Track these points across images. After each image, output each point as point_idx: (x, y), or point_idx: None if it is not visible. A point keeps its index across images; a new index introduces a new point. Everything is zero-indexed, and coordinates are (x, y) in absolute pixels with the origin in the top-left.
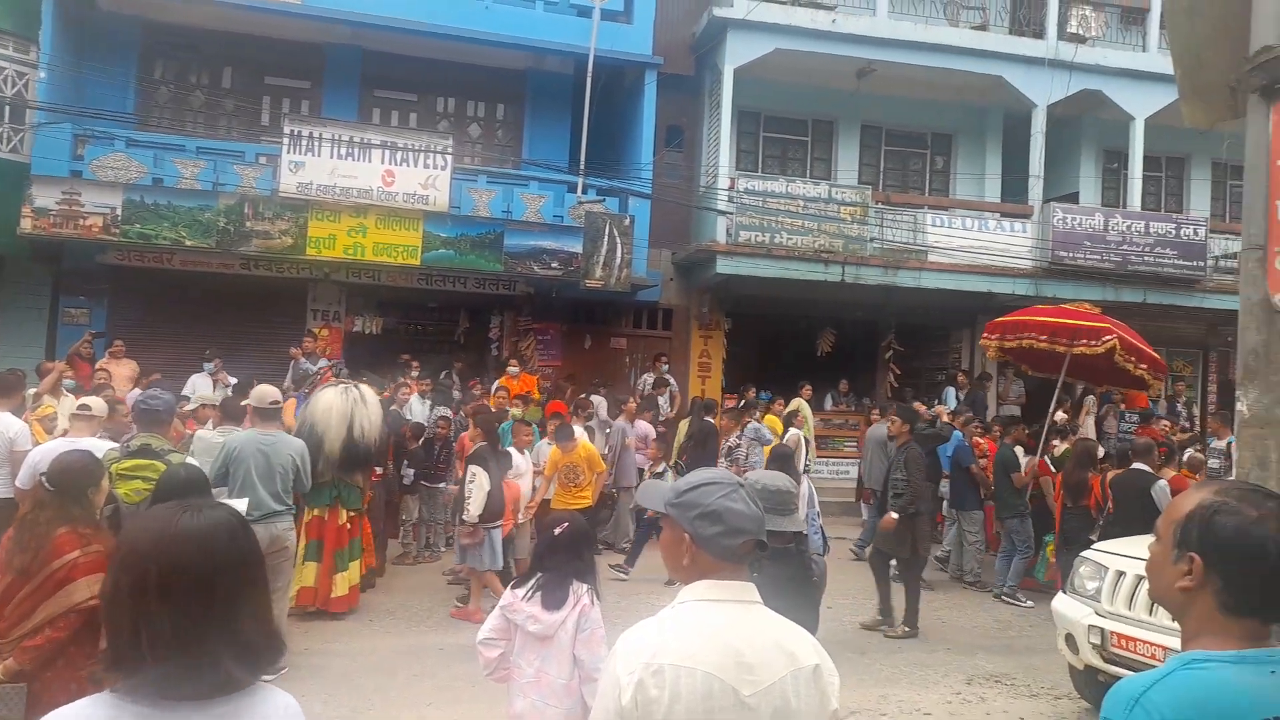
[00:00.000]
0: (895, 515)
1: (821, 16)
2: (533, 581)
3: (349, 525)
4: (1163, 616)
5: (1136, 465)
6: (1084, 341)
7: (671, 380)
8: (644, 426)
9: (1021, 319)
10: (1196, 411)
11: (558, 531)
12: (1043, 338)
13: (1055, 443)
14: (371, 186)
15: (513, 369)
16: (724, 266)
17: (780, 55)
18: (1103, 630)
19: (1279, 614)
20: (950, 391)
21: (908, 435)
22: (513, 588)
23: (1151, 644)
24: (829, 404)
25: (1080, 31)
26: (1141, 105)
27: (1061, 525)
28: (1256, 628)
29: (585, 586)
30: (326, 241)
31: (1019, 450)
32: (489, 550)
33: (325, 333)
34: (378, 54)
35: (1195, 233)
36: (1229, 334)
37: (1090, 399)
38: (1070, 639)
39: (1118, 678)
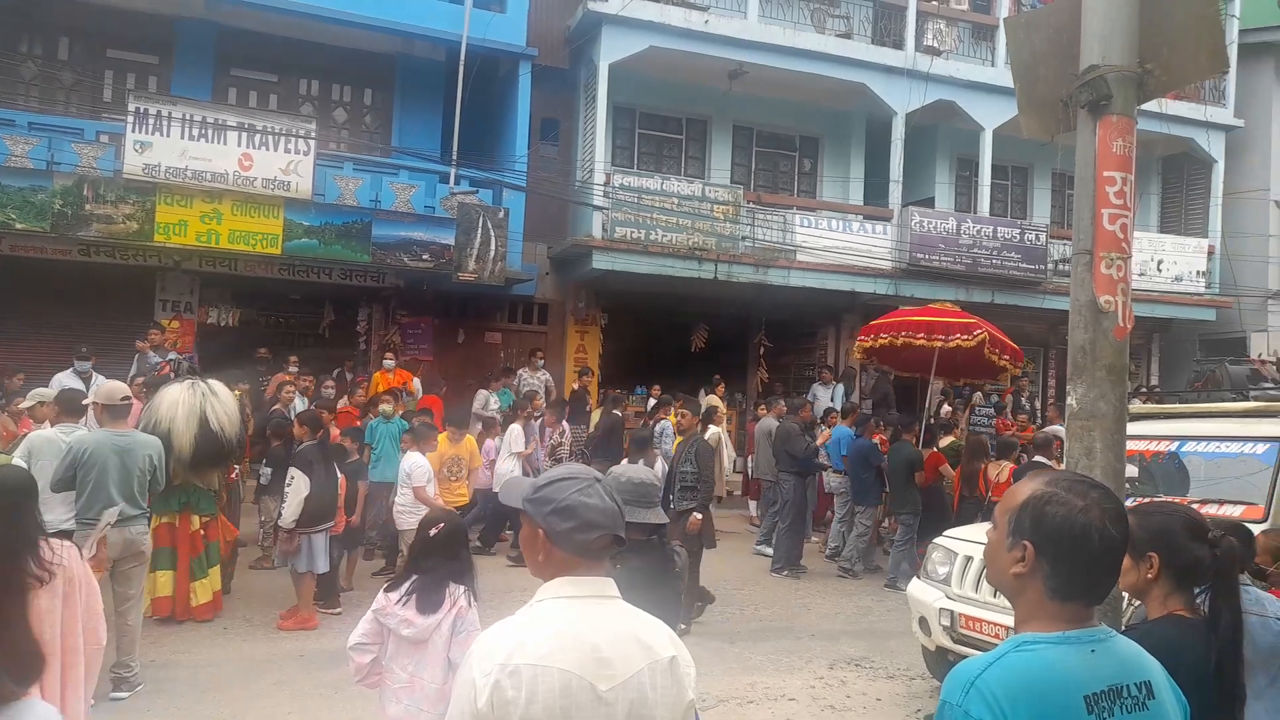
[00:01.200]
0: (700, 515)
1: (695, 16)
2: (407, 584)
3: (203, 531)
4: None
5: (1038, 458)
6: (959, 336)
7: (547, 375)
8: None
9: (897, 319)
10: (1039, 405)
11: (433, 532)
12: (919, 334)
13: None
14: (227, 170)
15: (388, 362)
16: (600, 262)
17: (655, 53)
18: (952, 613)
19: (1100, 596)
20: (840, 388)
21: (697, 427)
22: (386, 591)
23: (995, 624)
24: (701, 399)
25: (936, 44)
26: (990, 116)
27: (959, 513)
28: (1080, 610)
29: (462, 588)
30: (177, 228)
31: None
32: (307, 555)
33: (175, 325)
34: (235, 30)
35: (1037, 238)
36: (1065, 332)
37: (977, 395)
38: (923, 622)
39: (965, 657)
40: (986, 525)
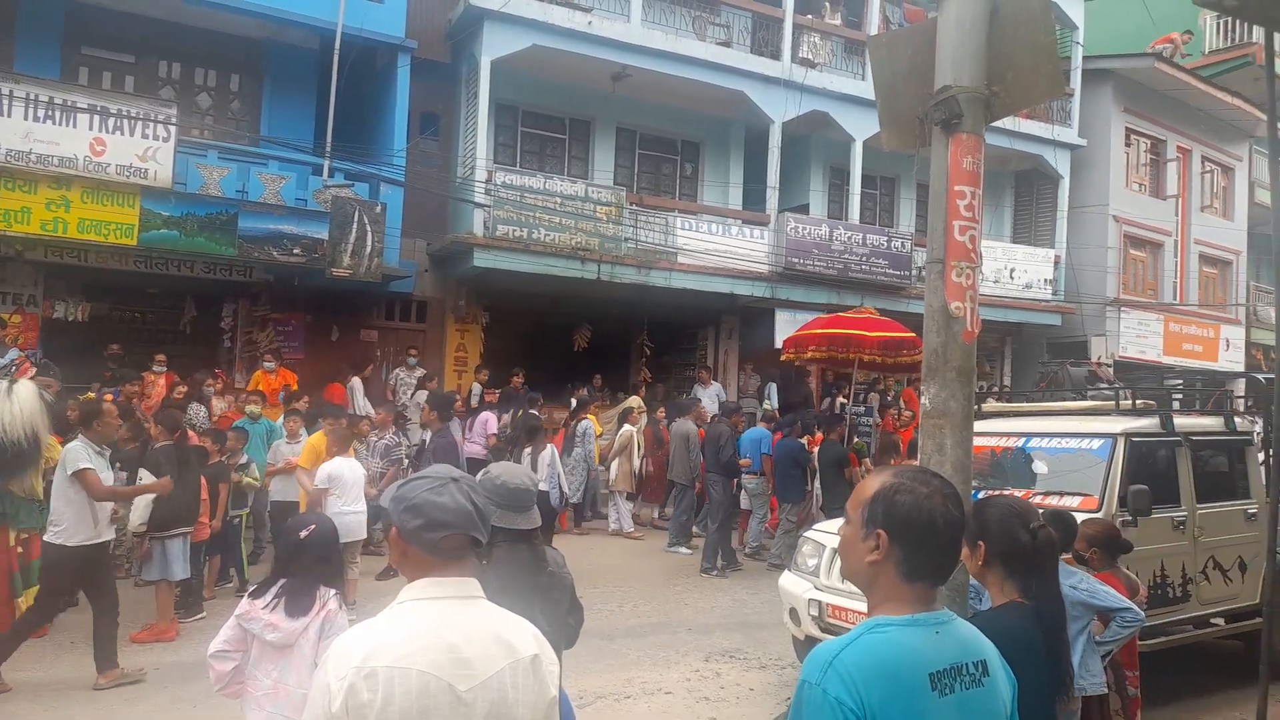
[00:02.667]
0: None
1: (578, 17)
2: (275, 588)
3: (20, 548)
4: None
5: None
6: (907, 351)
7: (424, 373)
8: (487, 416)
9: (856, 335)
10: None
11: (304, 534)
12: (875, 351)
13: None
14: (77, 155)
15: (269, 364)
16: (481, 260)
17: (538, 51)
18: (820, 603)
19: (945, 576)
20: (773, 387)
21: (438, 422)
22: (251, 596)
23: (859, 612)
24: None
25: (811, 57)
26: (860, 128)
27: None
28: (928, 591)
29: (333, 591)
30: (19, 215)
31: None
32: (159, 562)
33: (17, 319)
34: (86, 6)
35: (902, 245)
36: None
37: (840, 399)
38: (794, 612)
39: None
40: None
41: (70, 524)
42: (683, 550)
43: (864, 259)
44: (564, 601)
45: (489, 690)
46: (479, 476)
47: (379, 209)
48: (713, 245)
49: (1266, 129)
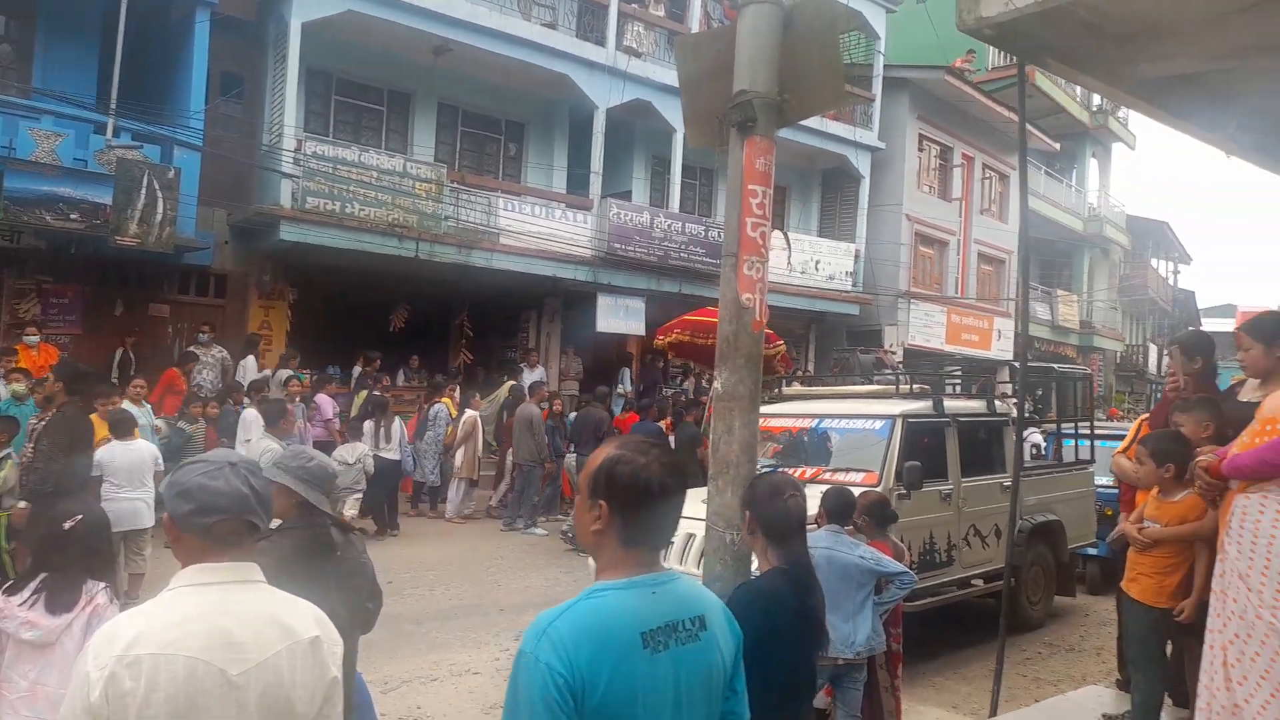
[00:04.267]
0: (24, 504)
1: None
2: (35, 583)
3: None
4: (672, 560)
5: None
6: (765, 345)
7: (223, 352)
8: (323, 400)
9: (711, 322)
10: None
11: (68, 525)
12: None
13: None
14: None
15: (31, 337)
16: (289, 233)
17: (354, 17)
18: None
19: (664, 540)
20: (626, 372)
21: (64, 396)
22: (5, 592)
23: None
24: (401, 379)
25: (635, 46)
26: (681, 119)
27: None
28: (646, 556)
29: (102, 585)
30: None
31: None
32: None
33: None
34: None
35: (720, 235)
36: None
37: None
38: None
39: None
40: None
41: None
42: (537, 532)
43: (683, 247)
44: (363, 587)
45: (264, 673)
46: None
47: (172, 174)
48: (536, 227)
49: (1026, 144)
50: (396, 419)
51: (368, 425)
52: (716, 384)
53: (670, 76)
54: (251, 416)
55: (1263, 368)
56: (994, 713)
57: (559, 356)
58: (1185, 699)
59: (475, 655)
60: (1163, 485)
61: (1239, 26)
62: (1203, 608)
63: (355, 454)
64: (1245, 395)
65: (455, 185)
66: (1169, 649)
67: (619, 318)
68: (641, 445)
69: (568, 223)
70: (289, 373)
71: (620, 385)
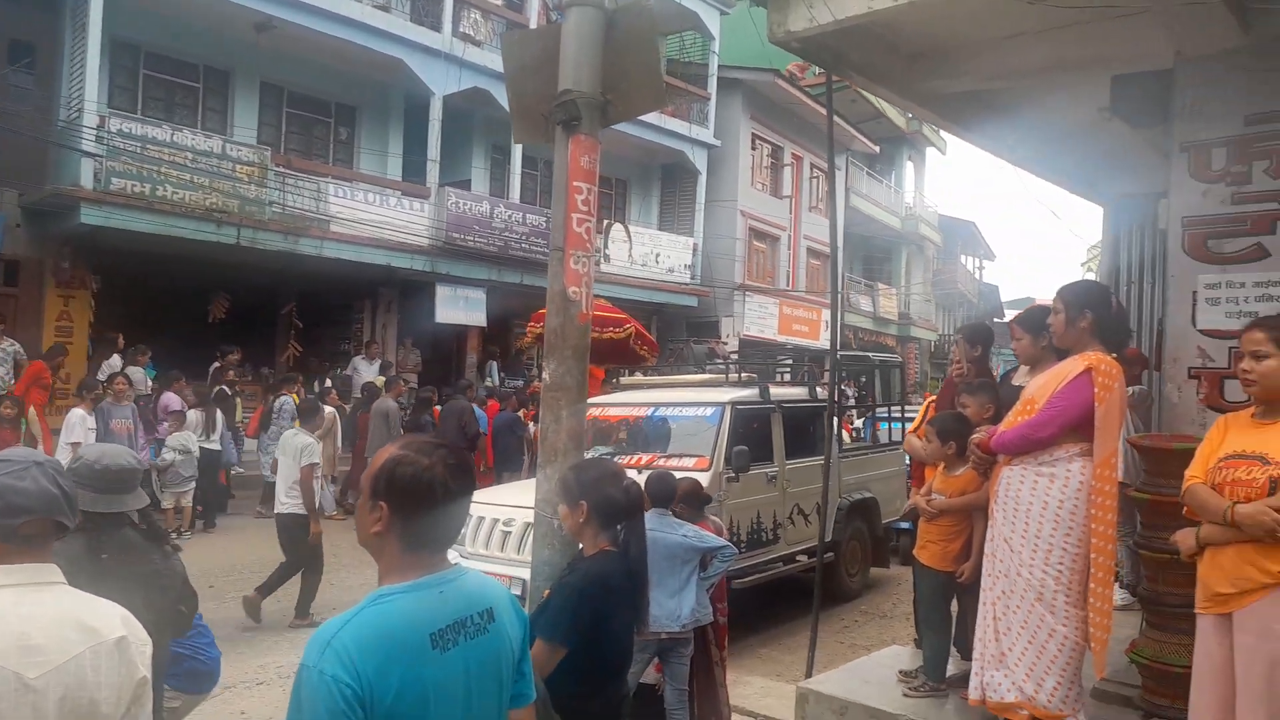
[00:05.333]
0: None
1: None
2: None
3: None
4: (510, 551)
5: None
6: (611, 329)
7: (15, 345)
8: (170, 398)
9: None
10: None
11: None
12: None
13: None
14: None
15: None
16: (91, 216)
17: None
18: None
19: (448, 542)
20: (494, 365)
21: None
22: None
23: (501, 575)
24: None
25: (472, 33)
26: None
27: None
28: (430, 558)
29: None
30: None
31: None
32: None
33: None
34: None
35: (550, 223)
36: None
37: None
38: None
39: None
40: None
41: None
42: None
43: (524, 237)
44: (173, 588)
45: (64, 675)
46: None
47: None
48: (369, 215)
49: (839, 148)
50: (219, 410)
51: (193, 415)
52: (545, 375)
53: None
54: (76, 418)
55: (1031, 355)
56: (809, 675)
57: (396, 348)
58: (969, 652)
59: None
60: (947, 461)
61: (1014, 51)
62: (980, 569)
63: (184, 442)
64: (1017, 380)
65: (280, 169)
66: (954, 608)
67: (458, 308)
68: (425, 446)
69: (404, 211)
70: (117, 369)
71: (489, 378)
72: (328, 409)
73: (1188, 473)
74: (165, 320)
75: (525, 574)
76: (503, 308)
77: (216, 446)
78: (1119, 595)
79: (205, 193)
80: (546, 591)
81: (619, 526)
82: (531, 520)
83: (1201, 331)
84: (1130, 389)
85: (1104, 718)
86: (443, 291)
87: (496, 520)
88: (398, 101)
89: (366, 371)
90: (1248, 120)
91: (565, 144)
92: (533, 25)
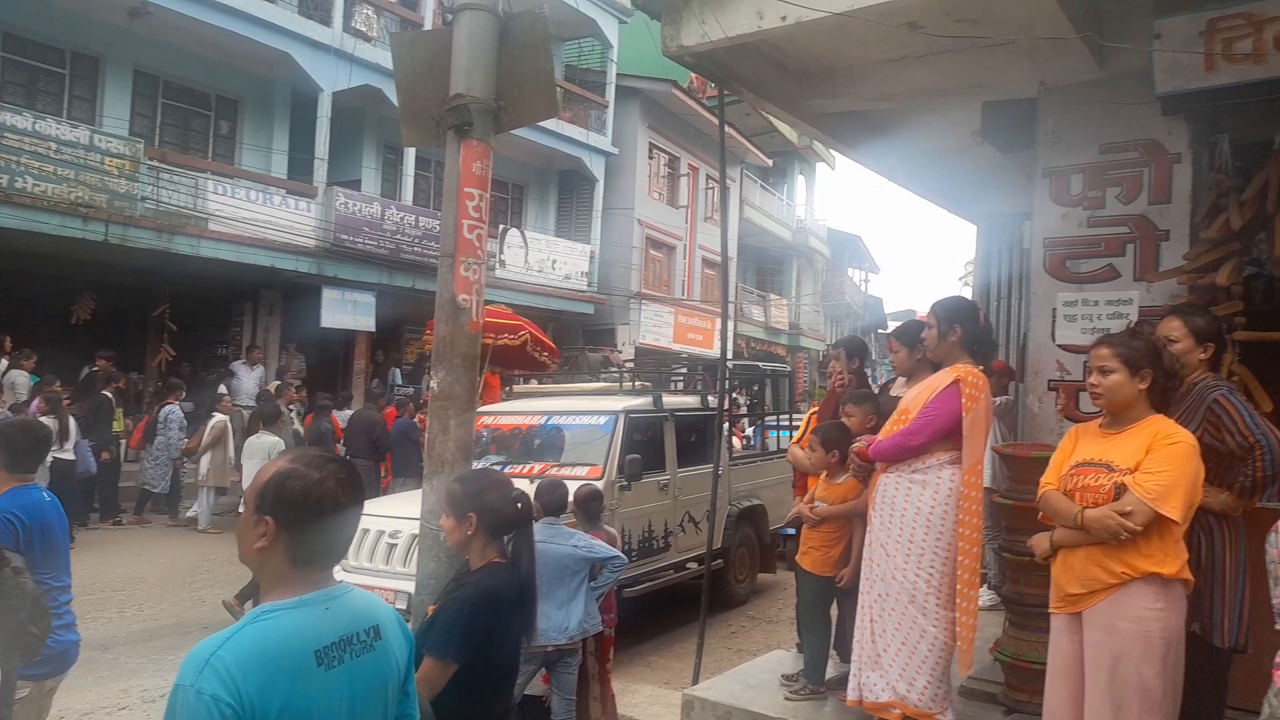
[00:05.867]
0: None
1: None
2: None
3: None
4: (395, 564)
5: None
6: (507, 335)
7: None
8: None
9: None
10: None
11: None
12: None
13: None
14: None
15: None
16: None
17: None
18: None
19: (337, 558)
20: (396, 371)
21: None
22: None
23: (384, 589)
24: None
25: (364, 29)
26: None
27: None
28: (317, 574)
29: None
30: None
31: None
32: None
33: None
34: None
35: (440, 229)
36: None
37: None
38: None
39: None
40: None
41: None
42: None
43: (417, 240)
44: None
45: None
46: None
47: None
48: (252, 214)
49: (733, 160)
50: (71, 417)
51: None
52: (433, 383)
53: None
54: None
55: (907, 367)
56: (695, 682)
57: (279, 353)
58: (848, 654)
59: (172, 680)
60: (830, 469)
61: (895, 75)
62: (859, 574)
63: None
64: (895, 390)
65: (154, 163)
66: (834, 612)
67: (346, 313)
68: (316, 460)
69: (289, 210)
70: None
71: (393, 384)
72: (218, 416)
73: (1042, 480)
74: (22, 320)
75: (411, 587)
76: (394, 312)
77: (69, 456)
78: (985, 596)
79: (71, 186)
80: (431, 607)
81: (507, 538)
82: (417, 532)
83: (1060, 346)
84: (997, 399)
85: (970, 714)
86: (330, 295)
87: (382, 532)
88: (284, 96)
89: (247, 378)
90: (1102, 149)
91: (457, 149)
92: (428, 24)
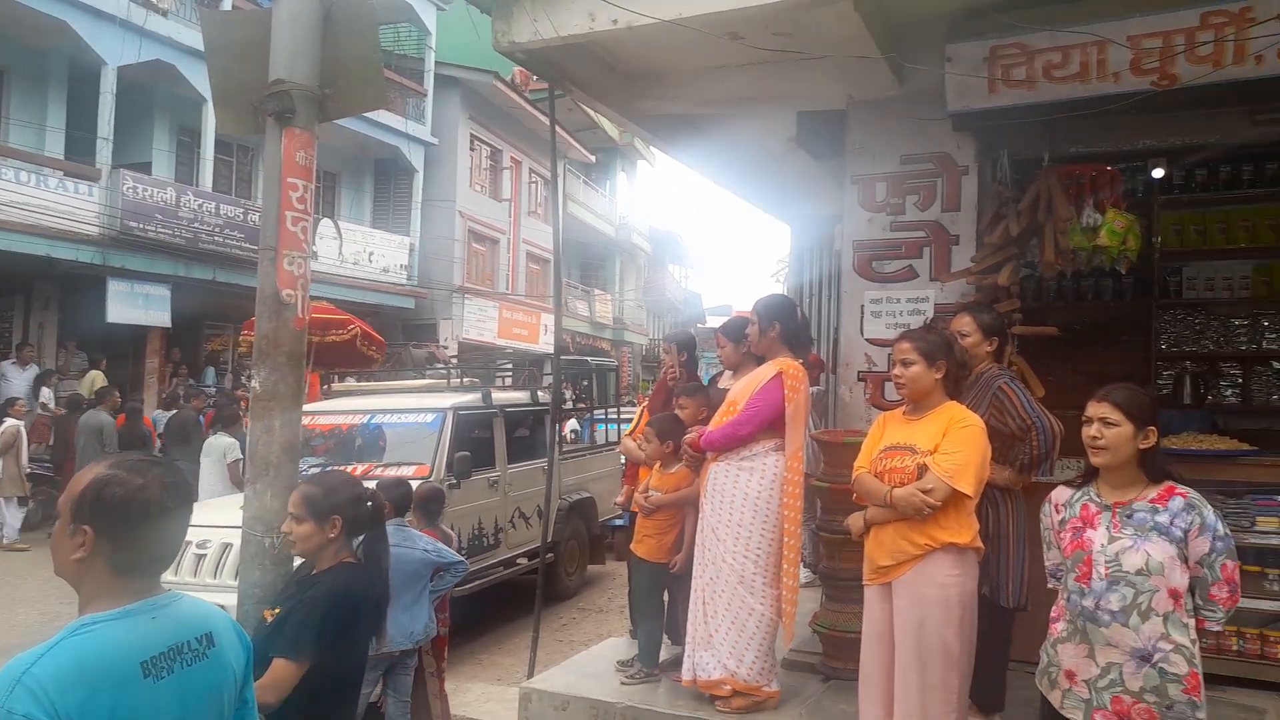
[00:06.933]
0: None
1: None
2: None
3: None
4: (204, 575)
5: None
6: (335, 331)
7: None
8: None
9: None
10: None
11: None
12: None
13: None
14: None
15: None
16: None
17: None
18: None
19: (164, 565)
20: (210, 370)
21: None
22: None
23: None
24: None
25: (156, 1)
26: None
27: None
28: (142, 583)
29: None
30: None
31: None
32: None
33: None
34: None
35: (261, 219)
36: None
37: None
38: None
39: None
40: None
41: None
42: None
43: (218, 230)
44: None
45: None
46: None
47: None
48: (21, 197)
49: (559, 153)
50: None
51: None
52: (255, 383)
53: (199, 40)
54: None
55: (733, 361)
56: (530, 676)
57: (57, 351)
58: (680, 637)
59: None
60: (664, 459)
61: (718, 81)
62: (691, 559)
63: None
64: (723, 383)
65: None
66: (666, 597)
67: (136, 307)
68: (138, 464)
69: (67, 194)
70: None
71: (208, 384)
72: (10, 421)
73: (856, 463)
74: None
75: (224, 599)
76: (192, 307)
77: None
78: (803, 574)
79: None
80: (270, 612)
81: (359, 538)
82: (230, 540)
83: (868, 340)
84: (810, 389)
85: (792, 685)
86: (116, 287)
87: (189, 542)
88: (60, 69)
89: (17, 379)
90: (902, 159)
91: (278, 137)
92: (227, 4)
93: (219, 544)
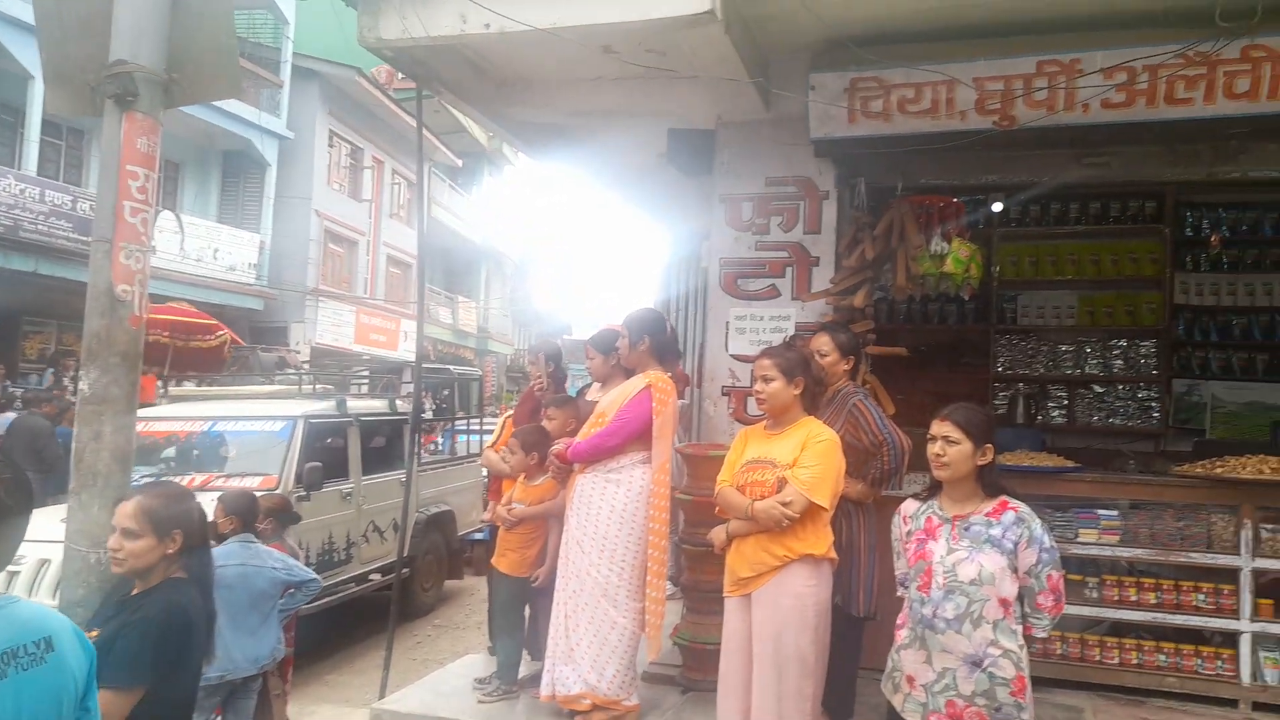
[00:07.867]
0: None
1: None
2: None
3: None
4: (44, 595)
5: None
6: (200, 336)
7: None
8: None
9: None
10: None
11: None
12: (165, 334)
13: None
14: None
15: None
16: None
17: None
18: None
19: (4, 563)
20: (50, 371)
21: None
22: None
23: None
24: None
25: None
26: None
27: None
28: None
29: None
30: None
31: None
32: None
33: None
34: None
35: (93, 208)
36: None
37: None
38: None
39: None
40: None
41: None
42: None
43: (42, 218)
44: None
45: None
46: None
47: None
48: None
49: (423, 154)
50: None
51: None
52: (83, 385)
53: (26, 10)
54: None
55: (602, 373)
56: (382, 696)
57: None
58: (540, 653)
59: None
60: (529, 472)
61: (590, 93)
62: (554, 573)
63: None
64: (591, 395)
65: None
66: (528, 612)
67: None
68: None
69: None
70: None
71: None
72: None
73: (719, 477)
74: None
75: None
76: (11, 301)
77: None
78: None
79: None
80: (93, 633)
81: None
82: (47, 556)
83: (732, 356)
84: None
85: (652, 697)
86: None
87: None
88: None
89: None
90: (768, 181)
91: (118, 121)
92: None
93: (35, 559)
